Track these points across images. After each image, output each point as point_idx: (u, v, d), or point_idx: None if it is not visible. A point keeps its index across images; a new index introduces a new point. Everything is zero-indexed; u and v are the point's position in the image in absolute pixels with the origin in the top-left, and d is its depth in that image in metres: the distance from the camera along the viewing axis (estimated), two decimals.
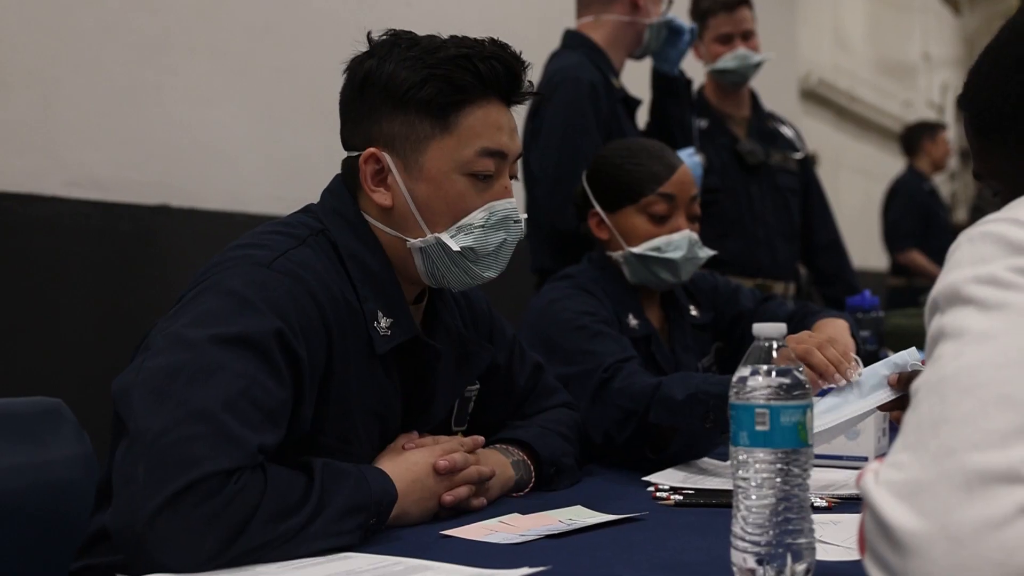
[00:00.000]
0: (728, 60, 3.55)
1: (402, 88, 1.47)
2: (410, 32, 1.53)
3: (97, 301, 2.78)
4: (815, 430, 1.37)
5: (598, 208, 2.20)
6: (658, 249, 2.12)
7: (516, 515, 1.43)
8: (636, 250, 2.13)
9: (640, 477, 1.72)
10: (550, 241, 2.85)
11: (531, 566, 1.14)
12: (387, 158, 1.49)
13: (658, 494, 1.59)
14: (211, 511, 1.14)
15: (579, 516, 1.43)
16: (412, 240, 1.51)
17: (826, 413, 1.55)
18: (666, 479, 1.70)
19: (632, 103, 3.13)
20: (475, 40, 1.51)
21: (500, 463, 1.59)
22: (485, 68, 1.48)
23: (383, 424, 1.51)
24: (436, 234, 1.50)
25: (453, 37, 1.52)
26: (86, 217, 2.75)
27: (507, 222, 1.54)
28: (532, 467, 1.65)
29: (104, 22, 2.82)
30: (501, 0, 4.11)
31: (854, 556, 1.00)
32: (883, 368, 1.56)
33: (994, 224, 0.93)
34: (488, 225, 1.52)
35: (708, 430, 1.78)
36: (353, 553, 1.23)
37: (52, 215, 2.68)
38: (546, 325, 2.07)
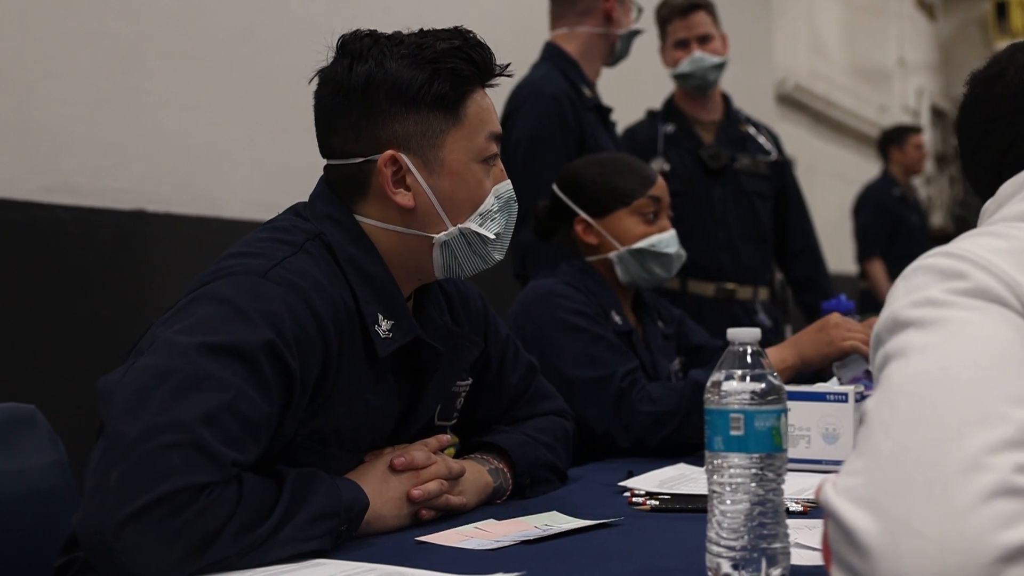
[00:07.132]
0: (684, 65, 3.55)
1: (412, 87, 1.47)
2: (375, 31, 1.53)
3: (72, 306, 2.76)
4: None
5: (584, 215, 2.31)
6: (654, 245, 2.30)
7: (492, 521, 1.43)
8: (635, 246, 2.29)
9: (617, 483, 1.73)
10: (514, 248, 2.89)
11: (506, 572, 1.15)
12: (404, 158, 1.49)
13: (634, 499, 1.59)
14: (180, 524, 1.13)
15: (555, 522, 1.43)
16: (437, 235, 1.51)
17: None
18: (642, 484, 1.71)
19: (604, 111, 3.15)
20: (452, 31, 1.52)
21: (475, 469, 1.58)
22: (478, 56, 1.51)
23: (376, 427, 1.49)
24: (459, 225, 1.51)
25: (427, 31, 1.52)
26: (61, 222, 2.73)
27: (511, 204, 1.57)
28: (510, 475, 1.64)
29: (80, 26, 2.81)
30: (480, 7, 4.11)
31: None
32: None
33: (926, 259, 0.98)
34: (500, 209, 1.55)
35: None
36: (327, 560, 1.23)
37: (27, 220, 2.67)
38: (542, 316, 2.21)
